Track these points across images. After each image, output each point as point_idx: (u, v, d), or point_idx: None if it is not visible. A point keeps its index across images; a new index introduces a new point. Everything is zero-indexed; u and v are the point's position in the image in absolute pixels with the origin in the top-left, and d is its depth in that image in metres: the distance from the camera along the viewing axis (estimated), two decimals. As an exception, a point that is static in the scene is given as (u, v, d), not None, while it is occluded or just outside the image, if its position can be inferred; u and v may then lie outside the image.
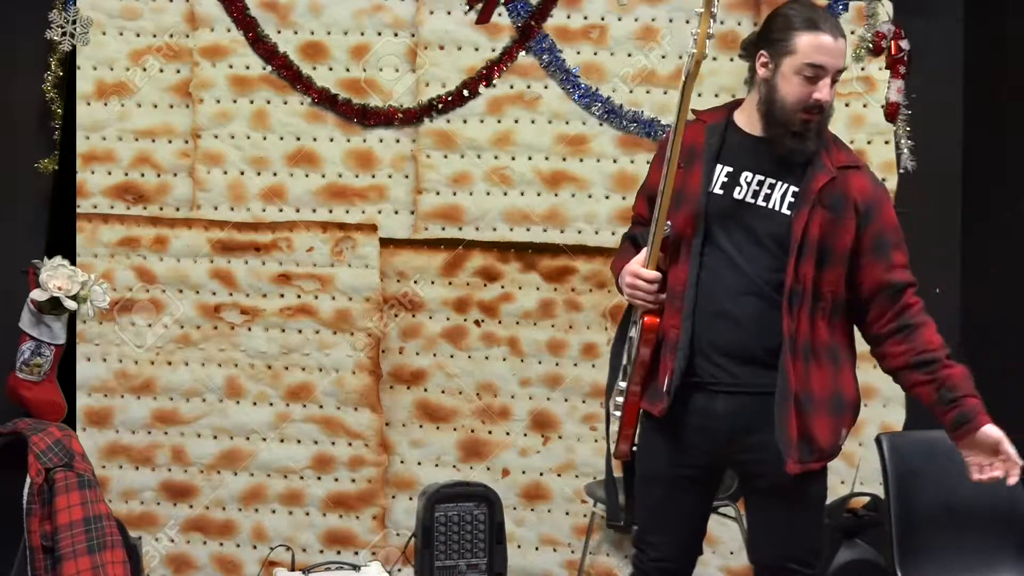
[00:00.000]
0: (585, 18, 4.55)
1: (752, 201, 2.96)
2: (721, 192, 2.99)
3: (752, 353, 2.96)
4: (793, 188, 2.94)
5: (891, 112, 4.53)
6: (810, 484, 3.02)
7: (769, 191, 2.96)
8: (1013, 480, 2.88)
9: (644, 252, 3.03)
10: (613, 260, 3.28)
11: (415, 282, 4.59)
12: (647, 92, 4.52)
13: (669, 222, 2.98)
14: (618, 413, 3.11)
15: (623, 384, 3.10)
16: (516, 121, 4.57)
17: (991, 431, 2.88)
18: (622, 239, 3.32)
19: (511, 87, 4.57)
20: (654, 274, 3.00)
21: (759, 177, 2.97)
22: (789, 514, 3.03)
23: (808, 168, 2.94)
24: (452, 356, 4.59)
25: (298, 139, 4.59)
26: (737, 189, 2.98)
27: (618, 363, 3.18)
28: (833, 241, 2.93)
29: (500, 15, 4.55)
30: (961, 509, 3.52)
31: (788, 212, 2.93)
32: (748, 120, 3.05)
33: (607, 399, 3.22)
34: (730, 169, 3.00)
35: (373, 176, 4.60)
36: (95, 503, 3.27)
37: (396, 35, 4.58)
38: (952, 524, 3.50)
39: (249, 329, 4.59)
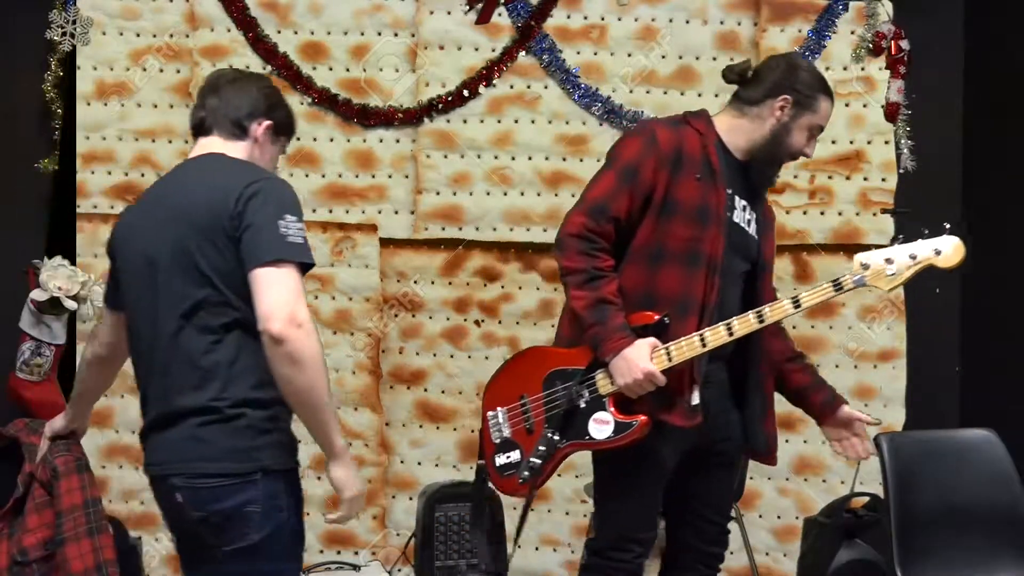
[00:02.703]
0: (585, 18, 4.55)
1: (744, 227, 3.07)
2: (729, 214, 3.05)
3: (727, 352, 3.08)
4: (753, 212, 3.11)
5: (891, 112, 4.53)
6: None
7: (748, 216, 3.09)
8: (866, 456, 3.22)
9: (650, 347, 2.92)
10: (606, 314, 2.96)
11: (415, 282, 4.59)
12: (647, 92, 4.52)
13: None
14: (540, 461, 3.08)
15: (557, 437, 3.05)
16: (516, 121, 4.57)
17: (849, 409, 3.19)
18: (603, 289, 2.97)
19: (511, 87, 4.57)
20: (664, 380, 2.94)
21: (743, 202, 3.08)
22: (728, 484, 3.24)
23: (756, 193, 3.14)
24: (452, 356, 4.59)
25: (298, 139, 4.57)
26: (734, 212, 3.06)
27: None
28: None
29: (500, 15, 4.56)
30: (961, 509, 3.51)
31: (756, 236, 3.12)
32: (733, 142, 3.09)
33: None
34: (730, 191, 3.05)
35: (373, 176, 4.60)
36: (91, 487, 3.28)
37: (396, 35, 4.58)
38: (952, 524, 3.49)
39: (249, 329, 4.58)
